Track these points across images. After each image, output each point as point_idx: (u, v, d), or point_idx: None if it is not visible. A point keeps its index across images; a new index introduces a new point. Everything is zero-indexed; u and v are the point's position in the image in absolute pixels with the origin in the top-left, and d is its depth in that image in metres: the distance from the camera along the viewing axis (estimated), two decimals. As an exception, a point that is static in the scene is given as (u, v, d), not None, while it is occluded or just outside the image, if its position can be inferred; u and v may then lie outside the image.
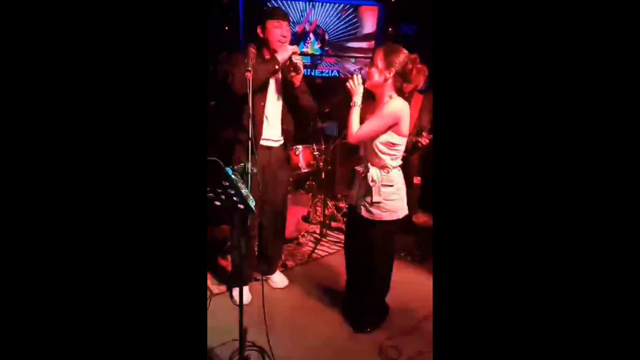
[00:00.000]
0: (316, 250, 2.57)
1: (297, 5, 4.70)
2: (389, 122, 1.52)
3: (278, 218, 2.02)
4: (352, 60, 4.98)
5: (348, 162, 3.49)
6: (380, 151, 1.57)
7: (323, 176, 2.81)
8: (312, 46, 4.99)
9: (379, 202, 1.58)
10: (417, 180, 3.17)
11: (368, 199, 1.60)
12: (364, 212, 1.63)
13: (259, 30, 1.73)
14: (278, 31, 1.69)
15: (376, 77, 1.54)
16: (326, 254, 2.56)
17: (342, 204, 3.17)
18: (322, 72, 4.97)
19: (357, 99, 1.58)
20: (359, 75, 1.59)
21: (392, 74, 1.52)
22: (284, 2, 4.73)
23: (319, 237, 2.74)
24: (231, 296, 1.99)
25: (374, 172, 1.58)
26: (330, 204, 3.01)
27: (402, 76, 1.53)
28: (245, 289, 1.95)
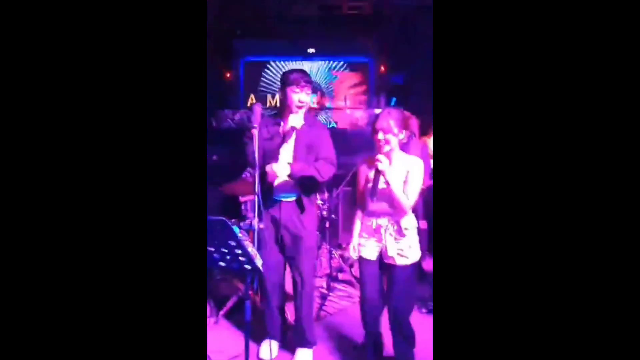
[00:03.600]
0: (324, 307, 2.42)
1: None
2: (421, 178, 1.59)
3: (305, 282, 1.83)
4: (347, 111, 5.20)
5: (351, 209, 3.47)
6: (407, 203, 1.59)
7: (327, 225, 2.76)
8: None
9: (409, 248, 1.62)
10: (423, 224, 3.11)
11: (400, 246, 1.63)
12: (395, 260, 1.63)
13: (280, 92, 1.77)
14: (297, 96, 1.69)
15: (393, 142, 1.57)
16: (335, 310, 2.41)
17: (347, 254, 3.07)
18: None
19: (389, 177, 1.54)
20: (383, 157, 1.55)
21: (405, 135, 1.59)
22: (281, 62, 5.07)
23: (326, 292, 2.61)
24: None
25: (406, 222, 1.63)
26: (336, 254, 2.91)
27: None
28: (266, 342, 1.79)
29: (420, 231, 3.14)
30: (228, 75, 4.91)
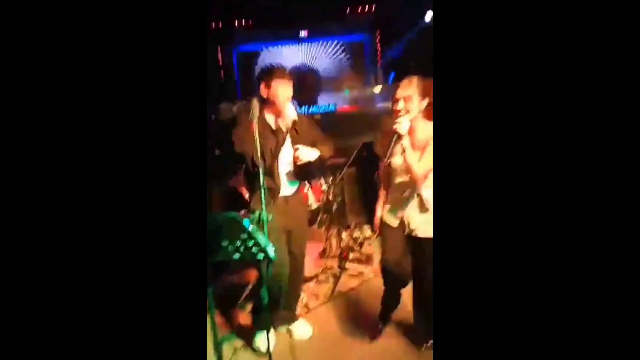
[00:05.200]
0: (338, 286, 2.52)
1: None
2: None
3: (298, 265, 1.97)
4: (346, 92, 5.15)
5: (357, 190, 3.51)
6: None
7: (334, 208, 2.82)
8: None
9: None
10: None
11: (424, 219, 1.59)
12: (417, 232, 1.62)
13: (262, 88, 1.71)
14: (285, 91, 1.69)
15: (415, 111, 1.52)
16: (348, 288, 2.51)
17: (356, 234, 3.15)
18: (319, 108, 5.14)
19: (406, 143, 1.50)
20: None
21: (426, 102, 1.51)
22: (278, 47, 5.00)
23: (338, 272, 2.70)
24: (253, 347, 1.92)
25: (430, 195, 1.56)
26: (345, 235, 2.99)
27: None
28: (302, 321, 1.91)
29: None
30: (221, 65, 4.88)
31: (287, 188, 1.81)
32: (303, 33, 4.87)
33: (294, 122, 1.70)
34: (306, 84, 5.06)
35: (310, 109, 5.10)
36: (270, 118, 1.75)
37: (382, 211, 1.76)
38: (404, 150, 1.50)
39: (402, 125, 1.47)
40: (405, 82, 1.54)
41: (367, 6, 4.78)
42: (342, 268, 2.68)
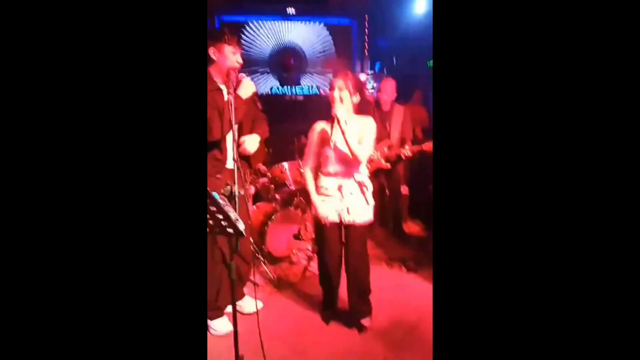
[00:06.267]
0: (309, 268, 2.54)
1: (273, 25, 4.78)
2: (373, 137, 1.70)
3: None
4: (330, 76, 5.07)
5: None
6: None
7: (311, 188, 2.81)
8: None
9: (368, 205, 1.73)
10: (404, 189, 3.21)
11: (360, 205, 1.73)
12: (353, 219, 1.74)
13: (211, 52, 1.64)
14: (234, 57, 1.65)
15: (347, 102, 1.68)
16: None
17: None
18: (302, 89, 5.05)
19: (345, 127, 1.62)
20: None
21: (358, 99, 1.70)
22: (263, 21, 4.83)
23: (311, 253, 2.71)
24: (209, 328, 1.85)
25: (365, 181, 1.74)
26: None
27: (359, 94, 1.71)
28: (225, 318, 1.87)
29: (401, 196, 3.25)
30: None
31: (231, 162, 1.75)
32: (291, 10, 4.71)
33: (254, 93, 1.66)
34: (290, 64, 4.93)
35: (294, 90, 5.00)
36: (220, 84, 1.69)
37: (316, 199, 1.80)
38: (343, 133, 1.60)
39: (338, 110, 1.60)
40: (342, 74, 1.68)
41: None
42: (314, 251, 2.70)
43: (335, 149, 1.69)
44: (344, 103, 1.65)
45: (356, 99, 1.70)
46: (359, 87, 1.71)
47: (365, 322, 1.86)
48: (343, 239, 1.79)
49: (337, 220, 1.74)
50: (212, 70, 1.68)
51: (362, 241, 1.80)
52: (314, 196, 1.78)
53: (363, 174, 1.76)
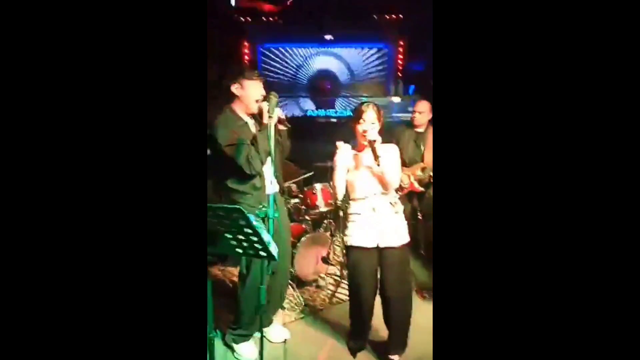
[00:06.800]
0: (337, 294, 2.46)
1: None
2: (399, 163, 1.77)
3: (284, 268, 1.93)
4: (364, 99, 5.12)
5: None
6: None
7: (341, 214, 2.77)
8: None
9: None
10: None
11: (395, 226, 1.70)
12: (390, 242, 1.70)
13: (234, 88, 1.69)
14: (257, 89, 1.68)
15: (375, 132, 1.70)
16: (347, 298, 2.44)
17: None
18: (336, 112, 5.13)
19: (379, 151, 1.66)
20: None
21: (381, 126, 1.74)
22: (295, 48, 5.03)
23: (339, 279, 2.64)
24: (235, 352, 1.83)
25: (398, 203, 1.76)
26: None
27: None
28: (251, 342, 1.83)
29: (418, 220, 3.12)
30: (246, 60, 4.91)
31: (270, 187, 1.76)
32: (329, 37, 4.87)
33: (279, 119, 1.65)
34: (325, 88, 5.05)
35: (327, 113, 5.09)
36: (246, 118, 1.73)
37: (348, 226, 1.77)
38: (376, 158, 1.61)
39: (370, 134, 1.64)
40: (365, 106, 1.72)
41: (394, 15, 4.77)
42: (342, 276, 2.63)
43: (367, 173, 1.69)
44: (373, 130, 1.67)
45: (378, 127, 1.73)
46: (380, 117, 1.77)
47: (394, 357, 1.75)
48: (378, 264, 1.72)
49: (371, 244, 1.68)
50: (236, 107, 1.72)
51: (402, 265, 1.71)
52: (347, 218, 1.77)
53: (395, 196, 1.76)
